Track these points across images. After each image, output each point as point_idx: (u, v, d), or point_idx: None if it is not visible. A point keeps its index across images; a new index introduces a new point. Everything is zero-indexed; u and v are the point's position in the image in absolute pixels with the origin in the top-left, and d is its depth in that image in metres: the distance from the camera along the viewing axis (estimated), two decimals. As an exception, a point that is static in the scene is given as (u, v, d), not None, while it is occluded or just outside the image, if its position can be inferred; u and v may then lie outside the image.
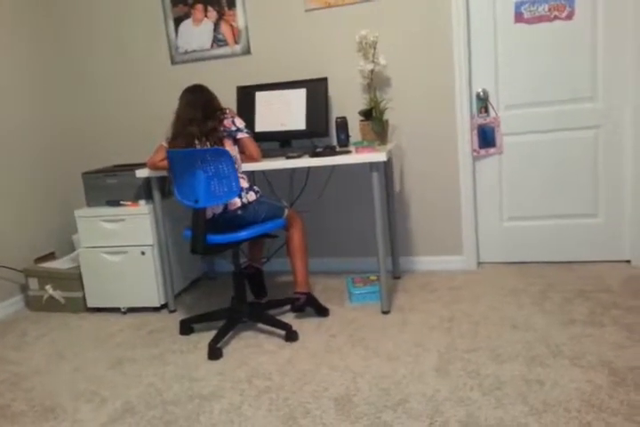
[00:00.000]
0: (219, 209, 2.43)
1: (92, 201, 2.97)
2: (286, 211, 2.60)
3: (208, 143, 2.43)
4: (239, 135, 2.53)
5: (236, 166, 2.45)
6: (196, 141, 2.44)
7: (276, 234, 2.65)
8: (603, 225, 2.98)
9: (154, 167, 2.65)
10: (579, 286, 2.70)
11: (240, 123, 2.55)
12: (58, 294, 3.01)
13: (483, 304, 2.60)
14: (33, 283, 3.08)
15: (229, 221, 2.45)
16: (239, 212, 2.44)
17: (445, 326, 2.39)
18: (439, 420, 1.71)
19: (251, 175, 3.16)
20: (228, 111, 2.54)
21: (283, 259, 3.26)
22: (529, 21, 2.87)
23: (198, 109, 2.47)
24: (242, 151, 2.58)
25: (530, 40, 2.88)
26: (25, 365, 2.41)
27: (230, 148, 2.47)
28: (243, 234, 2.38)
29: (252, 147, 2.58)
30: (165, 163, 2.54)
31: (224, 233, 2.39)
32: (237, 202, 2.43)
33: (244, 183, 2.49)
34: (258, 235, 2.45)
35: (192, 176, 2.33)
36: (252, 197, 2.49)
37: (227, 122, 2.50)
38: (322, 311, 2.62)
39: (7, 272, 3.10)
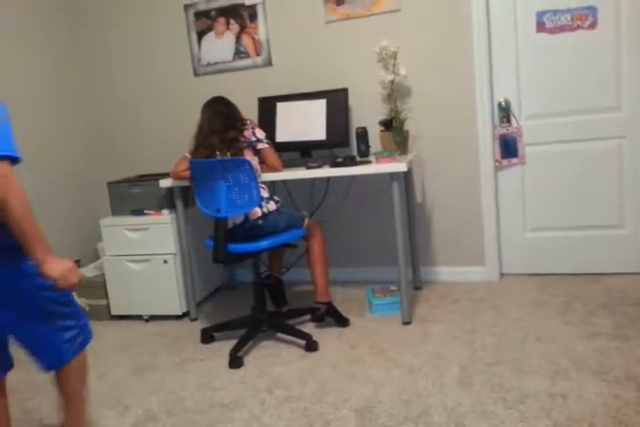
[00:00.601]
0: (240, 219, 2.45)
1: (116, 210, 3.03)
2: (306, 220, 2.61)
3: (228, 153, 2.46)
4: (259, 146, 2.56)
5: (257, 176, 2.49)
6: (217, 152, 2.48)
7: (295, 244, 2.66)
8: (629, 236, 2.92)
9: (177, 177, 2.69)
10: (603, 299, 2.65)
11: (260, 133, 2.58)
12: (83, 302, 3.06)
13: (505, 316, 2.56)
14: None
15: (250, 230, 2.47)
16: (259, 221, 2.46)
17: (467, 338, 2.36)
18: (461, 433, 1.69)
19: (271, 185, 3.18)
20: (248, 122, 2.58)
21: (303, 269, 3.26)
22: (551, 31, 2.85)
23: (219, 120, 2.52)
24: (262, 162, 2.61)
25: (552, 50, 2.86)
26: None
27: (250, 157, 2.50)
28: (264, 243, 2.40)
29: (273, 157, 2.61)
30: (188, 173, 2.58)
31: (245, 242, 2.41)
32: (258, 212, 2.45)
33: (265, 193, 2.51)
34: (278, 244, 2.47)
35: (214, 186, 2.37)
36: (272, 206, 2.50)
37: (247, 133, 2.53)
38: (342, 321, 2.62)
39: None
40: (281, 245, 2.53)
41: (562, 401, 1.80)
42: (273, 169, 2.62)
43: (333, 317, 2.61)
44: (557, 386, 1.90)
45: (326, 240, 2.69)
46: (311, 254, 2.62)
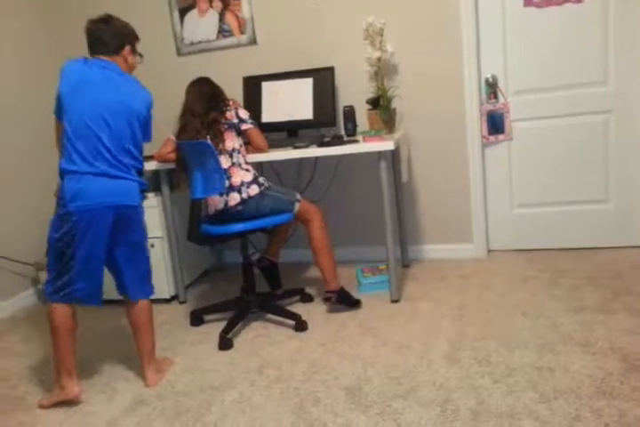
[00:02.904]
0: (220, 205, 2.42)
1: (101, 194, 2.98)
2: (297, 205, 2.50)
3: (208, 136, 2.41)
4: (243, 126, 2.50)
5: (240, 158, 2.45)
6: (198, 135, 2.42)
7: (269, 230, 2.62)
8: (614, 211, 2.94)
9: (162, 160, 2.65)
10: (589, 273, 2.67)
11: (244, 114, 2.51)
12: (70, 287, 3.04)
13: (493, 292, 2.58)
14: (44, 276, 3.10)
15: (233, 215, 2.44)
16: (239, 207, 2.40)
17: (455, 315, 2.38)
18: (450, 408, 1.71)
19: (258, 166, 3.15)
20: (231, 103, 2.52)
21: (295, 249, 3.26)
22: (538, 5, 2.82)
23: (201, 102, 2.46)
24: (248, 142, 2.57)
25: (539, 24, 2.83)
26: (36, 357, 2.45)
27: (233, 140, 2.46)
28: (237, 227, 2.37)
29: (259, 138, 2.56)
30: (173, 155, 2.55)
31: (221, 225, 2.40)
32: (236, 197, 2.40)
33: (247, 177, 2.44)
34: (252, 229, 2.40)
35: (192, 168, 2.42)
36: (253, 191, 2.42)
37: (229, 114, 2.47)
38: (354, 305, 2.55)
39: (18, 266, 3.13)
40: (257, 230, 2.48)
41: (548, 374, 1.83)
42: (259, 150, 2.58)
43: (344, 303, 2.55)
44: (544, 359, 1.92)
45: (327, 222, 2.58)
46: (312, 241, 2.51)
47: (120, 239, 1.98)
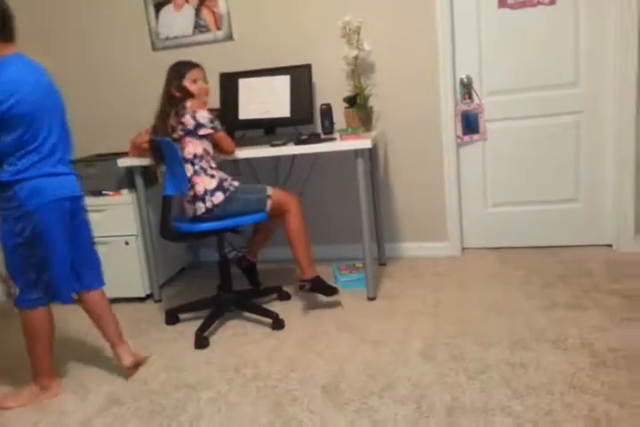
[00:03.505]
0: (190, 214, 2.39)
1: (73, 191, 2.92)
2: (268, 202, 2.42)
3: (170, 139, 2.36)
4: (201, 131, 2.33)
5: (203, 163, 2.36)
6: (167, 137, 2.37)
7: (238, 231, 2.55)
8: (584, 210, 3.01)
9: (137, 150, 2.62)
10: (561, 271, 2.73)
11: (202, 117, 2.32)
12: (41, 286, 2.98)
13: (467, 290, 2.62)
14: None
15: (204, 219, 2.39)
16: (206, 215, 2.36)
17: (431, 312, 2.41)
18: (425, 404, 1.73)
19: (234, 163, 3.13)
20: (188, 105, 2.34)
21: (274, 248, 3.25)
22: (512, 6, 2.86)
23: (164, 103, 2.40)
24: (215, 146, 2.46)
25: (513, 25, 2.87)
26: (8, 358, 2.39)
27: (194, 145, 2.34)
28: (203, 226, 2.35)
29: (223, 141, 2.43)
30: (147, 145, 2.53)
31: (191, 223, 2.40)
32: (201, 207, 2.35)
33: (212, 183, 2.34)
34: (222, 228, 2.38)
35: (166, 164, 2.45)
36: (218, 199, 2.34)
37: (185, 119, 2.31)
38: (330, 292, 2.48)
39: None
40: (226, 230, 2.43)
41: (521, 371, 1.86)
42: (226, 153, 2.49)
43: (320, 291, 2.49)
44: (517, 356, 1.96)
45: (303, 212, 2.51)
46: (288, 231, 2.45)
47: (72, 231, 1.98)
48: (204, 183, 2.35)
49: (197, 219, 2.38)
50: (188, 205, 2.40)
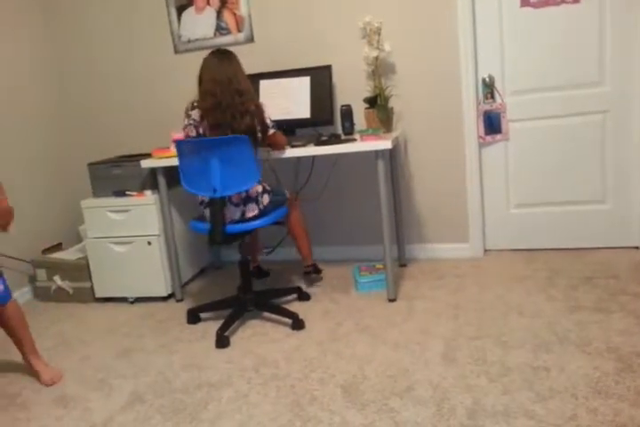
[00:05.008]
0: (236, 215, 2.39)
1: (98, 192, 2.97)
2: (286, 202, 2.65)
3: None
4: (271, 131, 2.44)
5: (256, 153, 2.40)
6: (227, 131, 2.29)
7: (282, 220, 2.66)
8: (611, 211, 2.95)
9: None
10: (586, 273, 2.68)
11: (269, 116, 2.42)
12: (66, 285, 3.04)
13: (489, 291, 2.59)
14: (41, 274, 3.10)
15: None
16: (254, 216, 2.40)
17: (452, 314, 2.39)
18: (446, 407, 1.71)
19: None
20: (265, 103, 2.43)
21: (288, 248, 3.26)
22: (535, 5, 2.82)
23: (232, 93, 2.28)
24: (268, 144, 2.50)
25: (536, 24, 2.83)
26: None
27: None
28: (257, 223, 2.40)
29: (279, 138, 2.50)
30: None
31: (236, 223, 2.40)
32: (254, 208, 2.40)
33: (260, 186, 2.42)
34: (270, 223, 2.46)
35: (206, 165, 2.28)
36: (266, 200, 2.44)
37: (264, 118, 2.38)
38: (320, 271, 2.90)
39: (15, 263, 3.12)
40: (272, 224, 2.52)
41: (544, 374, 1.83)
42: (282, 149, 2.56)
43: (315, 273, 2.88)
44: (540, 359, 1.93)
45: (300, 207, 2.77)
46: (293, 226, 2.71)
47: None
48: (255, 185, 2.40)
49: (243, 220, 2.41)
50: (232, 208, 2.38)
